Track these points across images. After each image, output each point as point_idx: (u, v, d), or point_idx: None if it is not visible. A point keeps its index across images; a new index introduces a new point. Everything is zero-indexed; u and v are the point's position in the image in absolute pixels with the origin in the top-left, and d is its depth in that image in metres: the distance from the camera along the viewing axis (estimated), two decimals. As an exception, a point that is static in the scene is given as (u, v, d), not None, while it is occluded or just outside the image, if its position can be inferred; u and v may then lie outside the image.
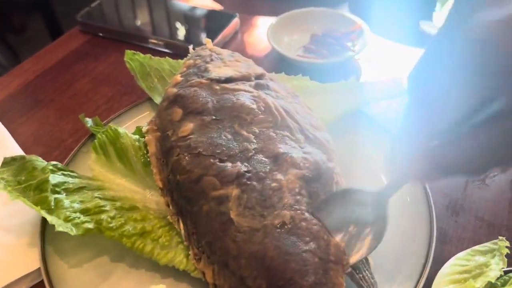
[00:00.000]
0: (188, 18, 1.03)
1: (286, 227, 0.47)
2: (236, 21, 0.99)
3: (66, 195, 0.56)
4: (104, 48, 0.97)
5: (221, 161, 0.52)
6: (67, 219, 0.53)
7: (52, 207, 0.53)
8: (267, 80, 0.64)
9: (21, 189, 0.56)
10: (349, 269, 0.48)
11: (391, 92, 0.70)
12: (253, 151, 0.53)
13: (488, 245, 0.52)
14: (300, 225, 0.47)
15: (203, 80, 0.62)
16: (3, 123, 0.77)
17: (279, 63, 0.90)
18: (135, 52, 0.77)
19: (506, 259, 0.49)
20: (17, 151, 0.72)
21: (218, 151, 0.53)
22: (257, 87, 0.62)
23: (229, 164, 0.51)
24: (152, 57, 0.78)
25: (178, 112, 0.59)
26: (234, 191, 0.49)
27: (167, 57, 0.79)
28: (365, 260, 0.50)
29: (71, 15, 1.07)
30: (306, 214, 0.48)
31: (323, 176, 0.53)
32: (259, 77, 0.64)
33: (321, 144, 0.57)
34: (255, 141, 0.54)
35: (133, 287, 0.54)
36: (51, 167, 0.58)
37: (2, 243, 0.59)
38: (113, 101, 0.83)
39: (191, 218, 0.52)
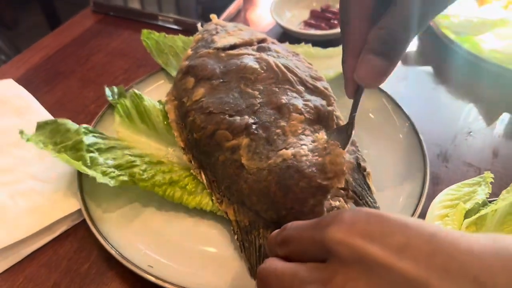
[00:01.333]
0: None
1: (287, 163, 0.52)
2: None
3: (99, 153, 0.62)
4: (117, 26, 1.03)
5: (231, 116, 0.58)
6: (104, 173, 0.59)
7: (89, 164, 0.59)
8: (268, 43, 0.71)
9: (57, 149, 0.61)
10: (352, 196, 0.55)
11: None
12: (259, 105, 0.59)
13: (475, 179, 0.59)
14: (300, 159, 0.52)
15: (210, 50, 0.69)
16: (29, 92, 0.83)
17: (281, 37, 0.97)
18: (150, 31, 0.83)
19: (490, 186, 0.56)
20: (46, 116, 0.78)
21: (227, 108, 0.59)
22: (259, 49, 0.68)
23: (237, 118, 0.58)
24: (166, 35, 0.84)
25: (190, 81, 0.66)
26: (244, 140, 0.56)
27: (180, 35, 0.85)
28: (367, 187, 0.57)
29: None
30: (308, 151, 0.53)
31: (324, 118, 0.60)
32: (261, 41, 0.71)
33: (320, 91, 0.63)
34: (259, 96, 0.60)
35: (162, 223, 0.61)
36: (83, 129, 0.64)
37: (42, 191, 0.65)
38: (130, 72, 0.89)
39: (210, 168, 0.60)
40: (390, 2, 0.44)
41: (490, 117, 0.78)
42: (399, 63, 0.87)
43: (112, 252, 0.55)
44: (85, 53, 0.95)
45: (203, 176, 0.60)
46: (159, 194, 0.60)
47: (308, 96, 0.61)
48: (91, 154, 0.61)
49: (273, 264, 0.37)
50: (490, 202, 0.56)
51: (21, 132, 0.61)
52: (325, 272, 0.32)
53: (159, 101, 0.71)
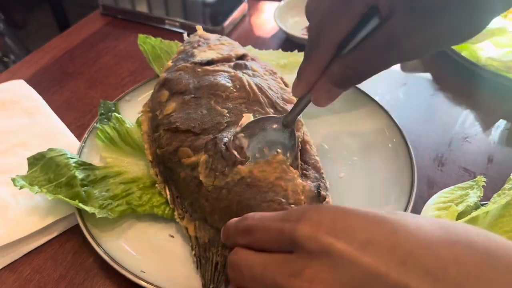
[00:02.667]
0: (201, 3, 1.12)
1: (245, 181, 0.52)
2: (244, 5, 1.09)
3: (93, 186, 0.63)
4: (124, 28, 1.06)
5: (195, 134, 0.60)
6: (101, 207, 0.61)
7: (85, 199, 0.61)
8: (248, 60, 0.72)
9: (53, 186, 0.62)
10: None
11: None
12: (225, 124, 0.60)
13: (468, 182, 0.61)
14: (258, 177, 0.52)
15: (188, 64, 0.70)
16: (38, 93, 0.86)
17: (284, 42, 0.99)
18: (147, 36, 0.85)
19: (482, 189, 0.58)
20: (53, 118, 0.81)
21: (192, 125, 0.60)
22: (236, 67, 0.69)
23: (201, 136, 0.59)
24: (163, 40, 0.86)
25: (165, 94, 0.67)
26: (202, 157, 0.57)
27: (176, 41, 0.87)
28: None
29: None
30: (265, 166, 0.53)
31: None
32: (240, 57, 0.72)
33: None
34: (228, 115, 0.61)
35: (155, 230, 0.62)
36: (73, 164, 0.64)
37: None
38: (136, 74, 0.91)
39: (175, 184, 0.61)
40: (362, 27, 0.43)
41: (487, 124, 0.79)
42: (398, 70, 0.90)
43: (105, 257, 0.57)
44: (93, 55, 0.98)
45: (167, 191, 0.61)
46: (159, 214, 0.62)
47: None
48: (86, 188, 0.62)
49: (243, 254, 0.39)
50: (482, 205, 0.58)
51: (13, 180, 0.62)
52: (295, 265, 0.35)
53: (139, 124, 0.72)
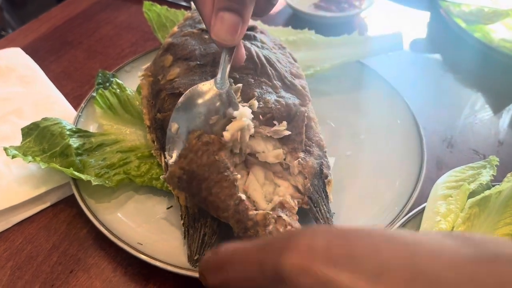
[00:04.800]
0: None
1: (187, 173, 0.51)
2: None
3: (88, 155, 0.61)
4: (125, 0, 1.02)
5: None
6: (98, 175, 0.58)
7: (81, 168, 0.58)
8: (257, 32, 0.69)
9: (47, 156, 0.60)
10: (307, 201, 0.53)
11: (390, 46, 0.74)
12: None
13: (480, 162, 0.58)
14: (191, 169, 0.51)
15: (195, 30, 0.67)
16: (35, 61, 0.83)
17: (291, 18, 0.96)
18: (152, 3, 0.82)
19: (495, 168, 0.56)
20: (50, 87, 0.78)
21: None
22: (245, 37, 0.66)
23: None
24: (169, 8, 0.83)
25: (169, 58, 0.64)
26: None
27: (182, 10, 0.84)
28: (324, 195, 0.55)
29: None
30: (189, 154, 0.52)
31: (294, 118, 0.58)
32: (249, 29, 0.69)
33: (297, 90, 0.62)
34: (233, 84, 0.58)
35: (153, 203, 0.60)
36: (68, 132, 0.62)
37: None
38: (137, 45, 0.89)
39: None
40: None
41: (497, 106, 0.77)
42: (408, 50, 0.88)
43: (101, 228, 0.55)
44: (92, 25, 0.95)
45: (163, 159, 0.59)
46: (158, 187, 0.59)
47: (283, 93, 0.60)
48: (81, 157, 0.60)
49: None
50: (493, 186, 0.55)
51: (6, 149, 0.59)
52: None
53: (139, 90, 0.69)
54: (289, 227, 0.49)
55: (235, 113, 0.52)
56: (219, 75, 0.53)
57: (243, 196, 0.50)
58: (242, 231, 0.49)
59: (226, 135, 0.51)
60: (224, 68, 0.53)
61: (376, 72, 0.74)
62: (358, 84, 0.74)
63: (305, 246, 0.26)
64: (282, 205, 0.52)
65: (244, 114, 0.52)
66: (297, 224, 0.51)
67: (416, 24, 0.97)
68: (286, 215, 0.51)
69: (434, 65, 0.86)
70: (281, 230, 0.49)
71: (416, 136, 0.65)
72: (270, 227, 0.49)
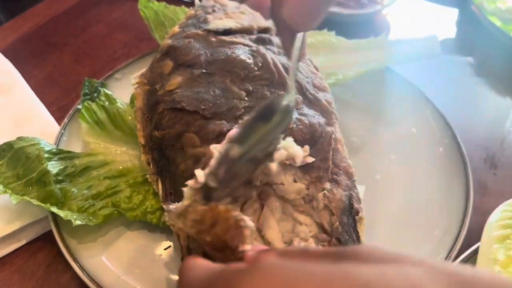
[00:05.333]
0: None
1: None
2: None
3: (70, 181, 0.52)
4: (118, -5, 0.92)
5: (205, 118, 0.48)
6: (81, 209, 0.49)
7: (61, 200, 0.50)
8: (271, 34, 0.59)
9: (22, 184, 0.51)
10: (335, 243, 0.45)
11: (425, 52, 0.65)
12: (243, 110, 0.49)
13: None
14: None
15: (200, 31, 0.58)
16: (14, 66, 0.73)
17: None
18: None
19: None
20: (30, 97, 0.69)
21: (202, 106, 0.49)
22: (258, 41, 0.57)
23: (213, 122, 0.48)
24: (168, 5, 0.73)
25: (169, 64, 0.55)
26: None
27: (183, 6, 0.74)
28: (356, 237, 0.46)
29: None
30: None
31: (319, 141, 0.48)
32: (263, 31, 0.59)
33: (321, 106, 0.52)
34: (246, 98, 0.50)
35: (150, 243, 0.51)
36: (46, 155, 0.53)
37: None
38: (131, 47, 0.79)
39: (170, 178, 0.49)
40: None
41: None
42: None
43: (85, 279, 0.46)
44: (81, 23, 0.85)
45: (160, 186, 0.50)
46: (153, 223, 0.50)
47: (305, 109, 0.51)
48: (62, 185, 0.51)
49: None
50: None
51: None
52: None
53: (133, 101, 0.60)
54: None
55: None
56: (290, 82, 0.41)
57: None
58: None
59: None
60: (294, 70, 0.42)
61: (407, 80, 0.64)
62: (387, 94, 0.64)
63: (260, 282, 0.24)
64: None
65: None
66: None
67: (444, 22, 0.87)
68: None
69: (467, 70, 0.76)
70: None
71: (457, 158, 0.56)
72: None
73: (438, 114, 0.61)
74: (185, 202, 0.37)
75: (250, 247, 0.35)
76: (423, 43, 0.64)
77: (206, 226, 0.36)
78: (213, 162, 0.37)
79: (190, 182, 0.37)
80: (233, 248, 0.36)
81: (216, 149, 0.38)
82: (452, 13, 0.89)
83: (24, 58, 0.77)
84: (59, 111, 0.67)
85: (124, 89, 0.64)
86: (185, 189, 0.37)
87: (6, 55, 0.75)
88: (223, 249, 0.37)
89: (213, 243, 0.37)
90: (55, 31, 0.83)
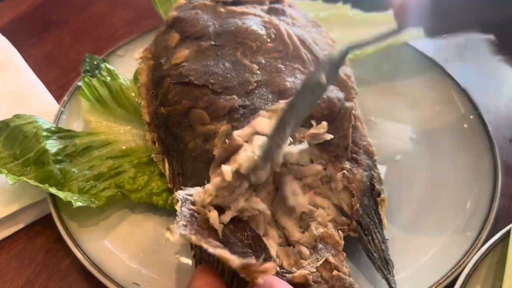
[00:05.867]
0: None
1: None
2: None
3: (70, 161, 0.49)
4: (121, -28, 0.89)
5: (214, 92, 0.45)
6: (82, 190, 0.46)
7: (61, 180, 0.47)
8: (284, 5, 0.57)
9: (19, 164, 0.48)
10: (356, 228, 0.42)
11: None
12: (255, 84, 0.46)
13: None
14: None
15: (207, 2, 0.55)
16: (12, 44, 0.70)
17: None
18: None
19: None
20: (28, 74, 0.66)
21: (212, 80, 0.46)
22: (271, 11, 0.54)
23: (223, 97, 0.45)
24: None
25: (174, 37, 0.52)
26: (223, 127, 0.43)
27: None
28: (377, 219, 0.43)
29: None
30: None
31: (338, 117, 0.45)
32: (275, 1, 0.57)
33: (340, 80, 0.49)
34: (259, 72, 0.47)
35: (151, 227, 0.48)
36: (44, 133, 0.50)
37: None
38: (133, 25, 0.76)
39: (178, 157, 0.47)
40: None
41: None
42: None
43: (86, 264, 0.43)
44: (81, 1, 0.82)
45: (167, 166, 0.47)
46: (159, 205, 0.47)
47: None
48: (61, 165, 0.48)
49: None
50: None
51: None
52: None
53: (136, 77, 0.56)
54: (335, 272, 0.37)
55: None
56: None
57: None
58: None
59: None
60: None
61: (427, 56, 0.61)
62: (406, 71, 0.61)
63: None
64: (323, 240, 0.40)
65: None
66: (345, 268, 0.38)
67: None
68: (332, 255, 0.38)
69: (488, 50, 0.72)
70: (326, 276, 0.36)
71: (482, 135, 0.53)
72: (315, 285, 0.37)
73: (461, 90, 0.57)
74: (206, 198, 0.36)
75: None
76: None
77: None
78: (245, 163, 0.35)
79: (215, 180, 0.35)
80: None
81: (247, 151, 0.36)
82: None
83: (22, 37, 0.74)
84: (58, 90, 0.64)
85: (127, 66, 0.60)
86: (207, 186, 0.36)
87: (3, 33, 0.72)
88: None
89: None
90: (55, 10, 0.80)
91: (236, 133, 0.38)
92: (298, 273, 0.36)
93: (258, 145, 0.36)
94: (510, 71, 0.69)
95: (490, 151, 0.51)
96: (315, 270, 0.37)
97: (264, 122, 0.39)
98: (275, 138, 0.36)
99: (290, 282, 0.35)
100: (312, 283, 0.36)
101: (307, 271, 0.36)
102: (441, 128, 0.55)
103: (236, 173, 0.35)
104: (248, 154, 0.36)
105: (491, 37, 0.75)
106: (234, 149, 0.37)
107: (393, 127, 0.56)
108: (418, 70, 0.60)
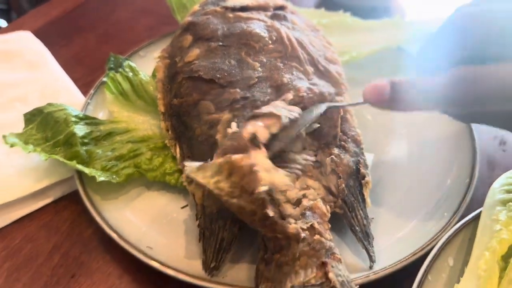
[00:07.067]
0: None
1: None
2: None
3: (95, 144, 0.55)
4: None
5: (221, 86, 0.51)
6: (105, 168, 0.52)
7: (86, 160, 0.53)
8: (287, 11, 0.62)
9: (50, 145, 0.55)
10: (341, 205, 0.47)
11: None
12: (256, 79, 0.52)
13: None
14: None
15: (218, 8, 0.61)
16: (44, 45, 0.77)
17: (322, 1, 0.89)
18: None
19: None
20: (59, 72, 0.73)
21: (218, 75, 0.52)
22: (274, 17, 0.60)
23: (227, 90, 0.51)
24: None
25: (188, 39, 0.58)
26: (225, 116, 0.49)
27: None
28: (361, 199, 0.48)
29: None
30: None
31: (328, 110, 0.50)
32: (279, 8, 0.62)
33: (332, 77, 0.55)
34: (260, 69, 0.52)
35: (166, 201, 0.54)
36: (73, 119, 0.56)
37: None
38: (154, 30, 0.83)
39: (188, 143, 0.52)
40: None
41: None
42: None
43: (106, 228, 0.49)
44: (107, 8, 0.89)
45: (178, 150, 0.53)
46: (171, 184, 0.53)
47: (315, 80, 0.54)
48: (87, 147, 0.54)
49: None
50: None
51: (4, 137, 0.55)
52: None
53: (154, 74, 0.62)
54: (317, 237, 0.42)
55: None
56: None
57: (270, 213, 0.41)
58: (272, 239, 0.42)
59: None
60: None
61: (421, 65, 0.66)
62: (398, 72, 0.66)
63: None
64: (312, 210, 0.45)
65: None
66: (328, 235, 0.43)
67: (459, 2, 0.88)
68: (318, 222, 0.43)
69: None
70: (310, 239, 0.42)
71: (465, 130, 0.57)
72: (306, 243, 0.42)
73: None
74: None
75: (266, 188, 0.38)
76: (435, 22, 0.65)
77: (223, 177, 0.39)
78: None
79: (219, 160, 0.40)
80: (249, 193, 0.39)
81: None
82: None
83: (53, 39, 0.81)
84: (85, 87, 0.70)
85: (147, 66, 0.66)
86: (211, 162, 0.40)
87: (37, 36, 0.79)
88: (241, 195, 0.40)
89: (231, 191, 0.40)
90: (83, 16, 0.87)
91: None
92: (293, 225, 0.41)
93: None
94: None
95: (470, 140, 0.56)
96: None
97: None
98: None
99: (283, 232, 0.40)
100: (302, 236, 0.41)
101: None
102: (427, 123, 0.60)
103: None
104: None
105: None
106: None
107: (385, 123, 0.61)
108: (410, 72, 0.66)
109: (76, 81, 0.71)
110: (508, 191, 0.48)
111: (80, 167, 0.50)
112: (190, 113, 0.52)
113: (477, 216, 0.48)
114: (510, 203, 0.46)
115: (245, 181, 0.39)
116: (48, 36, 0.82)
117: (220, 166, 0.39)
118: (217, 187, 0.39)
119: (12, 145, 0.52)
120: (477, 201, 0.51)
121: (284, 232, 0.41)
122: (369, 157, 0.53)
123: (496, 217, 0.46)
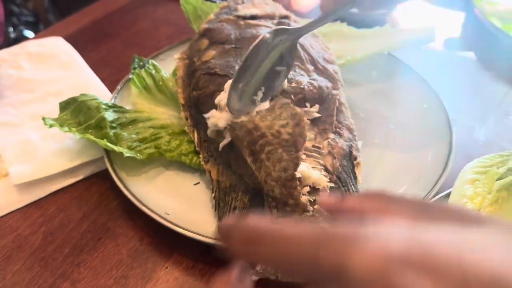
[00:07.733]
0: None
1: (252, 132, 0.52)
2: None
3: (121, 128, 0.63)
4: (163, -3, 1.06)
5: None
6: (130, 148, 0.60)
7: (114, 141, 0.61)
8: (290, 20, 0.71)
9: (83, 128, 0.63)
10: (335, 180, 0.54)
11: (422, 38, 0.74)
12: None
13: (510, 150, 0.58)
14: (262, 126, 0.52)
15: (231, 17, 0.70)
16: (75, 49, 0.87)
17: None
18: None
19: (527, 154, 0.55)
20: (89, 72, 0.82)
21: (231, 71, 0.60)
22: (279, 24, 0.68)
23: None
24: (205, 1, 0.86)
25: (204, 42, 0.67)
26: None
27: (217, 2, 0.86)
28: (353, 176, 0.55)
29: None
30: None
31: (326, 100, 0.59)
32: (283, 17, 0.71)
33: (329, 74, 0.63)
34: None
35: (183, 179, 0.62)
36: (104, 106, 0.64)
37: (73, 136, 0.66)
38: (173, 38, 0.91)
39: (204, 128, 0.60)
40: None
41: (532, 104, 0.76)
42: (441, 48, 0.87)
43: (130, 196, 0.56)
44: (131, 18, 0.99)
45: (195, 135, 0.61)
46: (186, 163, 0.61)
47: (315, 76, 0.61)
48: (115, 130, 0.62)
49: None
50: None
51: (44, 119, 0.62)
52: None
53: (175, 72, 0.71)
54: (317, 206, 0.49)
55: None
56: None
57: (298, 175, 0.49)
58: (279, 204, 0.49)
59: None
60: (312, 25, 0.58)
61: (406, 64, 0.74)
62: (388, 76, 0.74)
63: (380, 250, 0.22)
64: (314, 186, 0.52)
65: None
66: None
67: (450, 23, 0.96)
68: (317, 195, 0.51)
69: (468, 64, 0.85)
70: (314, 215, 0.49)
71: (445, 125, 0.65)
72: (309, 213, 0.49)
73: (432, 92, 0.70)
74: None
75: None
76: (421, 31, 0.74)
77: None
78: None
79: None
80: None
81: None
82: (458, 16, 0.98)
83: (83, 44, 0.90)
84: (111, 85, 0.78)
85: (167, 67, 0.75)
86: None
87: (68, 41, 0.88)
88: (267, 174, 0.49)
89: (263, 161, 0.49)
90: (110, 24, 0.97)
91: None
92: (304, 196, 0.49)
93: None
94: (485, 82, 0.80)
95: (449, 134, 0.63)
96: None
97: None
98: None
99: (296, 198, 0.48)
100: (308, 208, 0.48)
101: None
102: (412, 120, 0.68)
103: None
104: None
105: (471, 54, 0.88)
106: None
107: (376, 119, 0.69)
108: (398, 76, 0.74)
109: (103, 80, 0.80)
110: (477, 172, 0.55)
111: (110, 145, 0.59)
112: (207, 102, 0.60)
113: (449, 194, 0.55)
114: (477, 182, 0.54)
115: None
116: (79, 41, 0.91)
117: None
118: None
119: (50, 126, 0.61)
120: (451, 185, 0.59)
121: (297, 199, 0.48)
122: (359, 143, 0.61)
123: (464, 193, 0.53)
